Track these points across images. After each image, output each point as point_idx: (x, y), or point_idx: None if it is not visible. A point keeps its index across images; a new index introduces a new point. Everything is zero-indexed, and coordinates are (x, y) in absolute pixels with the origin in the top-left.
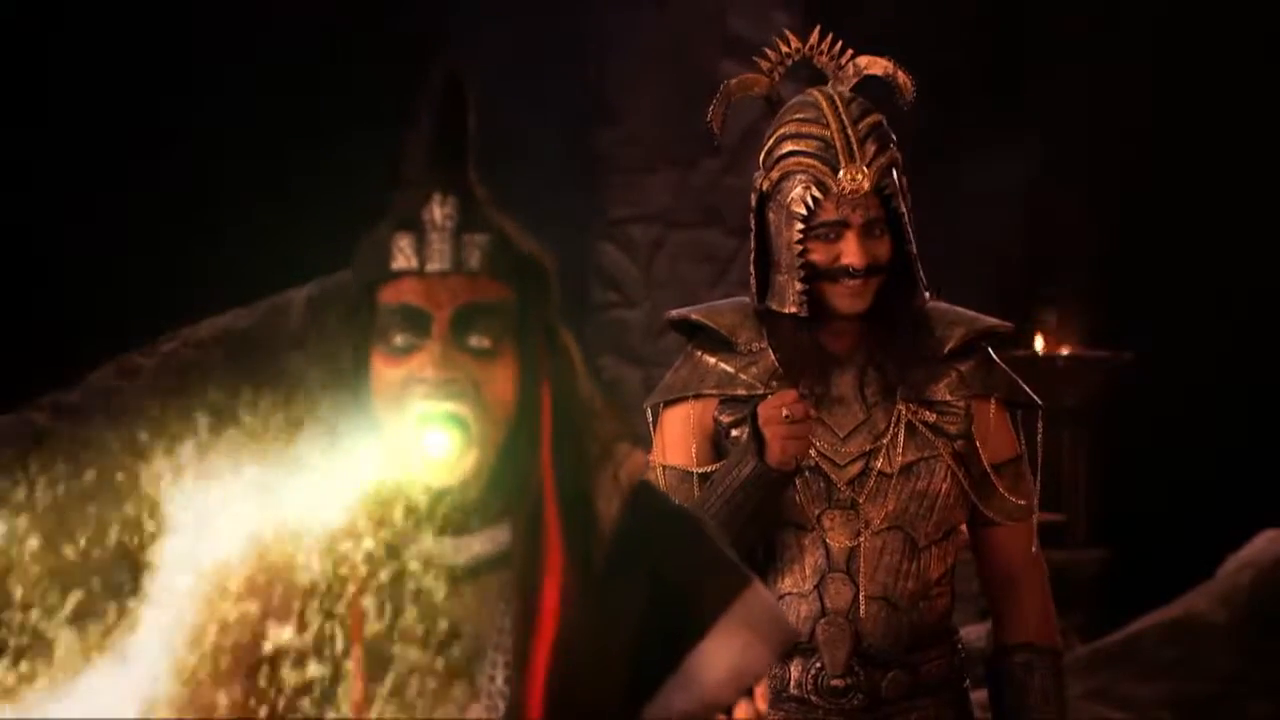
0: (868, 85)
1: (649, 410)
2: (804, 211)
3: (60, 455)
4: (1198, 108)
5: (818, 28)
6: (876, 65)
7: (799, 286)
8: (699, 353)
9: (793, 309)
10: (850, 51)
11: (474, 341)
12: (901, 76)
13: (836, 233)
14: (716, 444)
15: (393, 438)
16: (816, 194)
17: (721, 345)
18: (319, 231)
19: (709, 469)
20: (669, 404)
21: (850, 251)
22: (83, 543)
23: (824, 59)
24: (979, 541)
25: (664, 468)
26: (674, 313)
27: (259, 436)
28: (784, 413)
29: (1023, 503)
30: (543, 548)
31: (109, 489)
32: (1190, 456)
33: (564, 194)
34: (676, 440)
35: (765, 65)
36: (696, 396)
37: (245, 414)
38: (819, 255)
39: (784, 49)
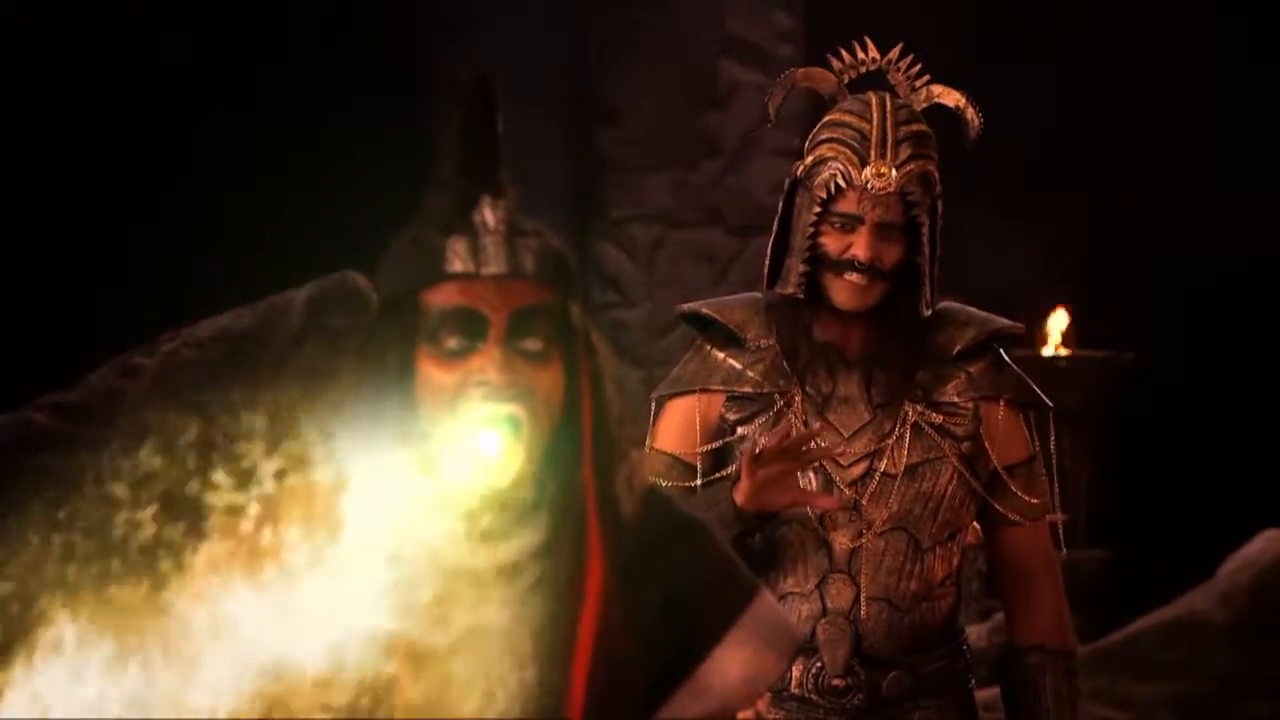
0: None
1: (654, 402)
2: (824, 195)
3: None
4: (1198, 106)
5: (899, 45)
6: (949, 96)
7: (801, 268)
8: (708, 347)
9: (791, 289)
10: (927, 77)
11: (528, 345)
12: (971, 113)
13: (851, 225)
14: (719, 439)
15: (444, 441)
16: (840, 183)
17: (731, 340)
18: (319, 231)
19: (699, 464)
20: (674, 396)
21: (860, 244)
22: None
23: (899, 76)
24: (993, 542)
25: (654, 449)
26: (685, 306)
27: (306, 442)
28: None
29: (1036, 502)
30: (585, 550)
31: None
32: (1190, 456)
33: (564, 194)
34: (674, 427)
35: (837, 65)
36: (704, 390)
37: (290, 424)
38: (830, 243)
39: (860, 55)
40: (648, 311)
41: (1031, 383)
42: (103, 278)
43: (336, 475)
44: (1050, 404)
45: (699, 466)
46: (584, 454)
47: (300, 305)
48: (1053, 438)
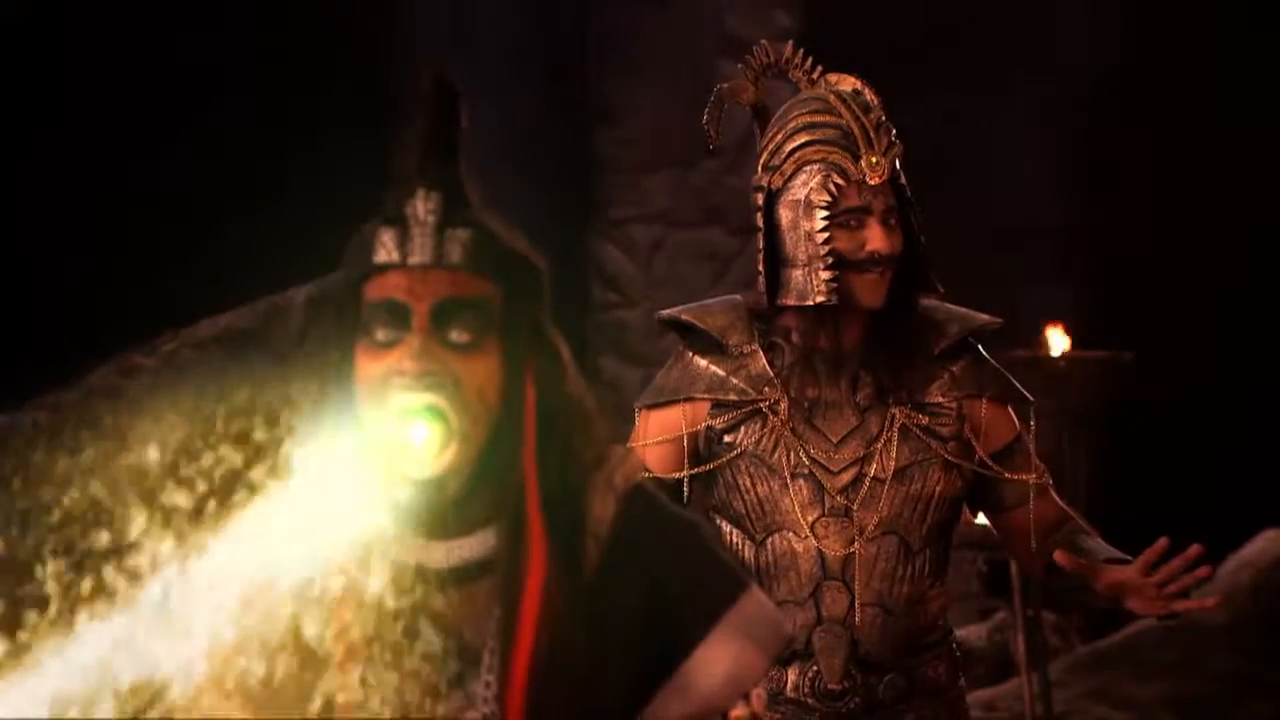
0: None
1: (637, 410)
2: (828, 198)
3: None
4: (1199, 106)
5: (790, 42)
6: (845, 82)
7: (826, 275)
8: (690, 354)
9: (819, 298)
10: (820, 68)
11: (454, 336)
12: (869, 94)
13: (859, 221)
14: (707, 447)
15: (375, 431)
16: (839, 181)
17: (713, 347)
18: (319, 231)
19: (680, 474)
20: (658, 406)
21: (875, 237)
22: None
23: (798, 73)
24: (1004, 526)
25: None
26: (665, 313)
27: (247, 433)
28: None
29: (1034, 478)
30: (525, 550)
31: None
32: (1190, 456)
33: (564, 194)
34: (657, 445)
35: (749, 74)
36: (688, 399)
37: (232, 414)
38: (843, 244)
39: (763, 59)
40: (647, 311)
41: (1010, 377)
42: (103, 278)
43: (279, 466)
44: (1030, 398)
45: (685, 489)
46: (525, 454)
47: (300, 305)
48: (1033, 431)
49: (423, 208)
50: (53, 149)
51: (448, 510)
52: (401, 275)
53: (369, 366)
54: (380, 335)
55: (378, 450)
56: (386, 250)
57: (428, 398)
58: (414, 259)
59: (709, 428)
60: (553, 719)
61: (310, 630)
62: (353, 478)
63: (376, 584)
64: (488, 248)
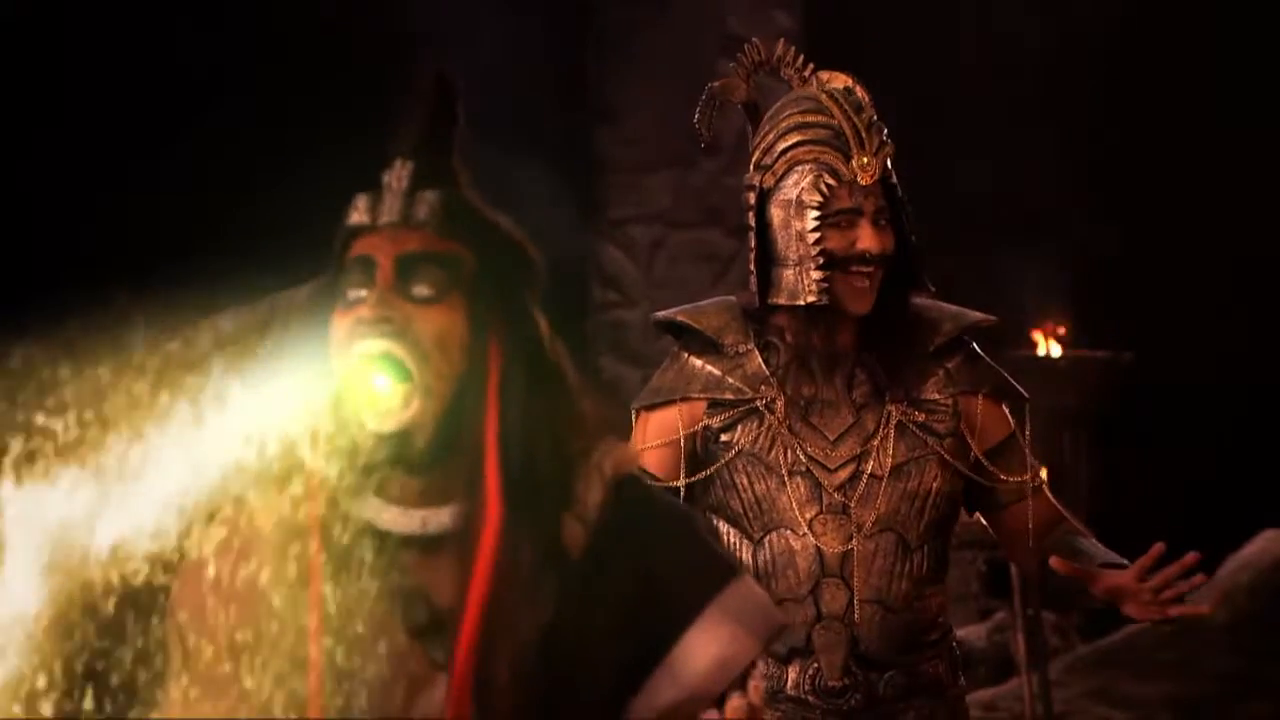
0: None
1: (634, 411)
2: (819, 199)
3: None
4: (1200, 106)
5: (782, 40)
6: (837, 80)
7: (816, 275)
8: (686, 355)
9: (810, 298)
10: (811, 65)
11: (417, 290)
12: (860, 91)
13: (849, 221)
14: (705, 447)
15: (339, 383)
16: (830, 181)
17: (708, 347)
18: (319, 231)
19: (678, 483)
20: (654, 407)
21: (865, 237)
22: None
23: (789, 71)
24: (999, 523)
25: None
26: (660, 314)
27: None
28: None
29: (1028, 477)
30: (480, 515)
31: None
32: (1190, 456)
33: (564, 194)
34: (654, 447)
35: (741, 72)
36: (684, 399)
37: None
38: (833, 243)
39: (754, 57)
40: (647, 311)
41: (1005, 374)
42: (102, 276)
43: (254, 415)
44: (1025, 394)
45: (681, 491)
46: (487, 416)
47: (302, 303)
48: (1028, 429)
49: (397, 175)
50: (53, 149)
51: (416, 468)
52: (372, 234)
53: (339, 324)
54: (351, 294)
55: (343, 402)
56: (359, 213)
57: (384, 344)
58: (383, 219)
59: (706, 427)
60: (499, 700)
61: (284, 600)
62: (315, 423)
63: (343, 538)
64: (457, 211)
